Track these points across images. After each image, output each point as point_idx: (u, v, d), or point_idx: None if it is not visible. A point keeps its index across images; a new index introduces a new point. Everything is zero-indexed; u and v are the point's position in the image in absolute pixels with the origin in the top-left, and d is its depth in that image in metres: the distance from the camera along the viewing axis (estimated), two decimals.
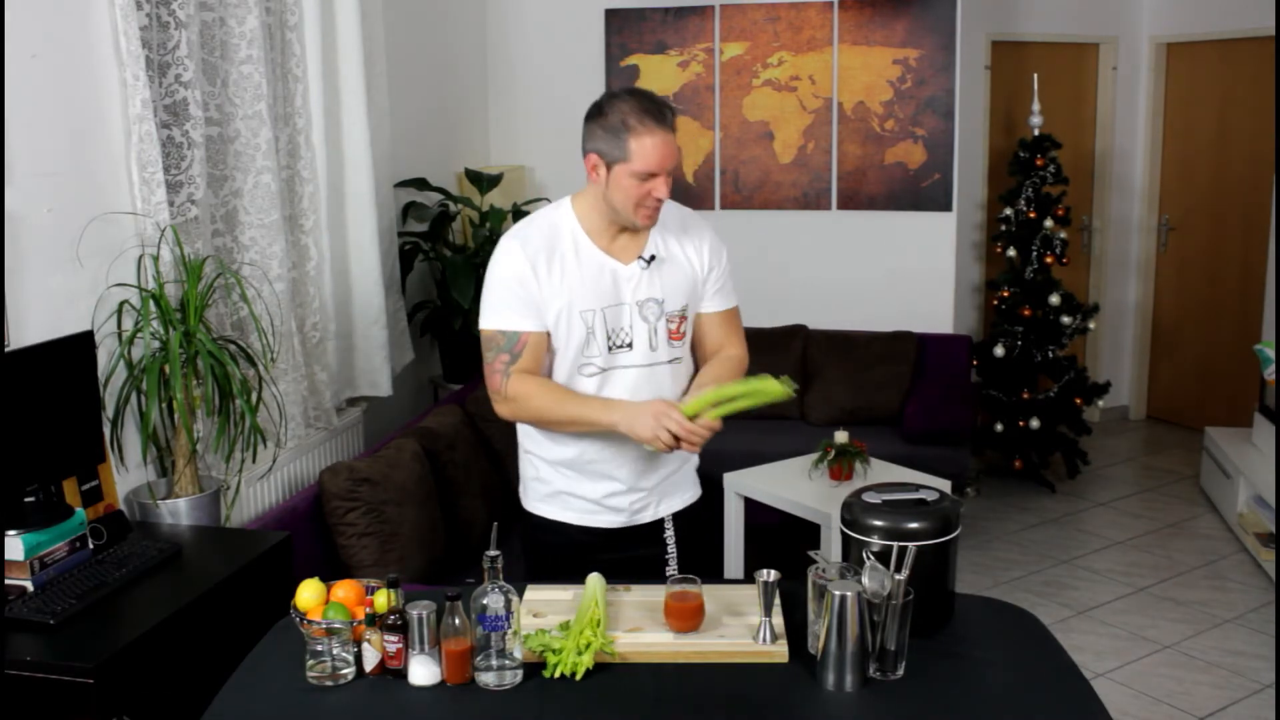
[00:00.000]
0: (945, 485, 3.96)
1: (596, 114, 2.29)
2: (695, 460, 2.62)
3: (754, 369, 2.48)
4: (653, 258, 2.38)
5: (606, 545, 2.49)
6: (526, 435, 2.52)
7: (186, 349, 2.88)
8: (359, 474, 3.26)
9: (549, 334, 2.36)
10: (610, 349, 2.37)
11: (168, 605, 2.38)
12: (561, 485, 2.48)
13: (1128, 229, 6.65)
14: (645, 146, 2.24)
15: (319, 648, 1.95)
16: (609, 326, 2.36)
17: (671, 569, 2.49)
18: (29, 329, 2.62)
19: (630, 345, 2.38)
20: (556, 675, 1.94)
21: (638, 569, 2.40)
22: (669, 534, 2.54)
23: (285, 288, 3.51)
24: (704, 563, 2.57)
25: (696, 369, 2.51)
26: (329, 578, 2.12)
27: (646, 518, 2.51)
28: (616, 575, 2.33)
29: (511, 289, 2.33)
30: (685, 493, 2.59)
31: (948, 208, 5.43)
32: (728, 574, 4.13)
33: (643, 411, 2.27)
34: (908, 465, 4.37)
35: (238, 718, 1.88)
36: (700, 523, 2.63)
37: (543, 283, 2.32)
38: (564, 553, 2.50)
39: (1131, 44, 6.43)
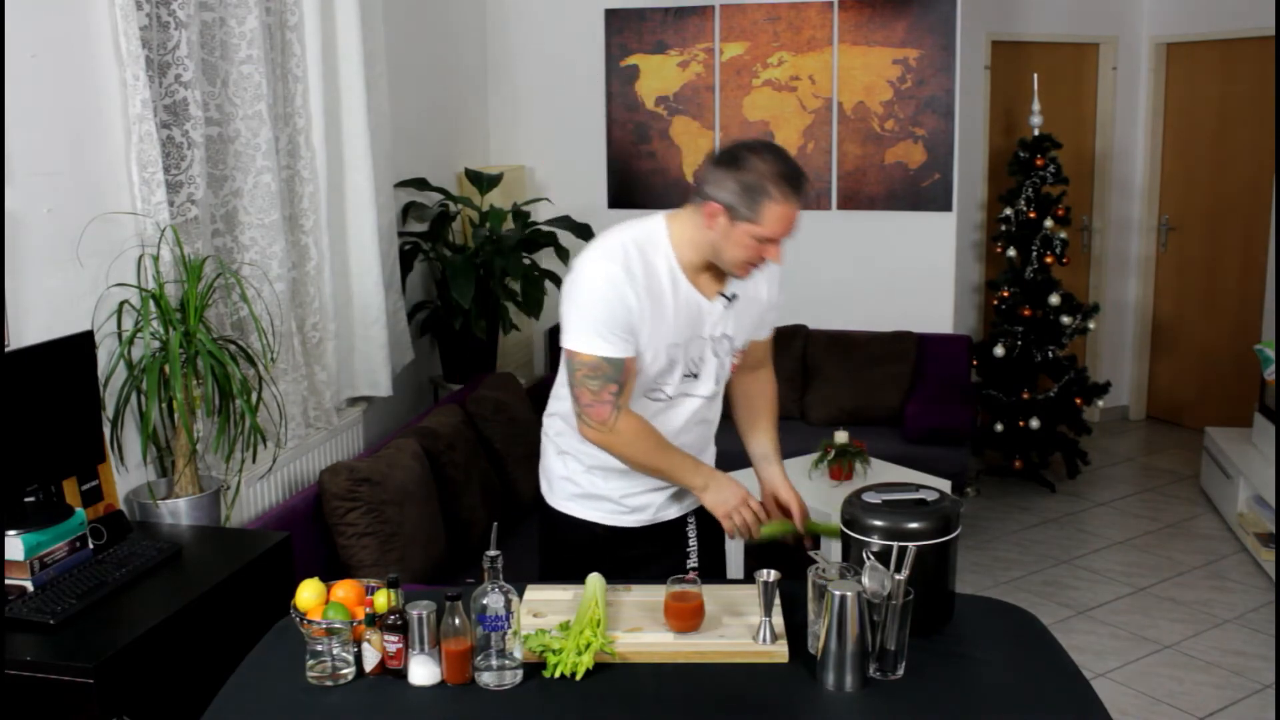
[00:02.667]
0: (945, 485, 3.96)
1: (732, 164, 2.18)
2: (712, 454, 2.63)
3: None
4: (734, 296, 2.36)
5: (630, 543, 2.50)
6: (562, 436, 2.49)
7: (186, 349, 2.88)
8: (359, 474, 3.26)
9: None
10: (683, 378, 2.38)
11: (168, 605, 2.38)
12: (592, 488, 2.48)
13: (1128, 229, 6.65)
14: (779, 215, 2.19)
15: (319, 648, 1.95)
16: (687, 358, 2.36)
17: (693, 561, 2.49)
18: (29, 329, 2.62)
19: (697, 376, 2.39)
20: (556, 675, 1.94)
21: (660, 565, 2.41)
22: (691, 530, 2.54)
23: (285, 288, 3.51)
24: (722, 559, 2.61)
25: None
26: (329, 578, 2.12)
27: (670, 515, 2.52)
28: (639, 572, 2.36)
29: (616, 313, 2.22)
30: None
31: (948, 208, 5.43)
32: (728, 574, 4.12)
33: (728, 492, 2.36)
34: (908, 465, 4.37)
35: (238, 718, 1.88)
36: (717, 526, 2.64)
37: (641, 311, 2.25)
38: (586, 550, 2.50)
39: (1131, 44, 6.43)
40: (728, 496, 2.36)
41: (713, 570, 2.56)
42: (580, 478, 2.48)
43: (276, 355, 3.42)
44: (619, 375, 2.25)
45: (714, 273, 2.33)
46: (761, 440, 2.54)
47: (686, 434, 2.45)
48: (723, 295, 2.34)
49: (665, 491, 2.48)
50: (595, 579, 2.14)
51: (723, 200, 2.18)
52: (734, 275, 2.31)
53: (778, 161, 2.19)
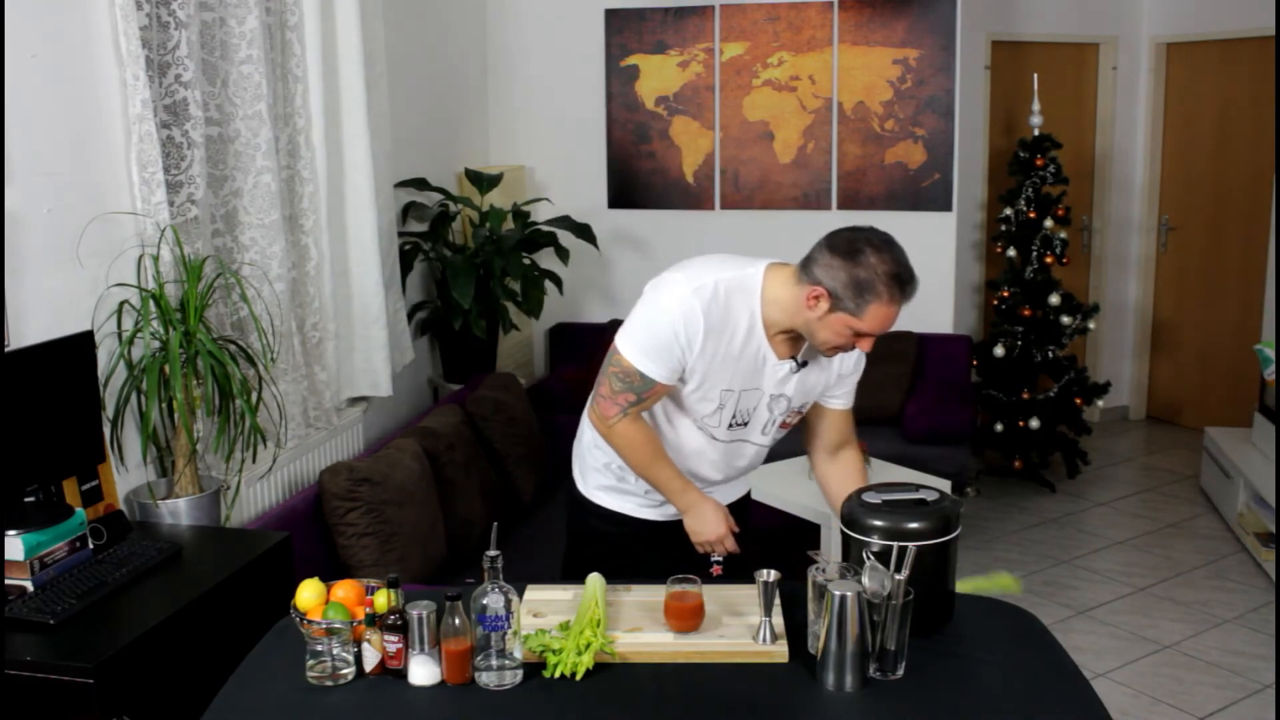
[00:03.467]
0: (945, 485, 3.95)
1: (849, 256, 2.15)
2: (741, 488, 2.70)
3: None
4: (805, 363, 2.37)
5: (661, 535, 2.54)
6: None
7: (186, 349, 2.88)
8: (359, 474, 3.26)
9: (679, 384, 2.34)
10: (730, 425, 2.41)
11: (168, 605, 2.38)
12: (622, 483, 2.53)
13: (1128, 229, 6.65)
14: (881, 315, 2.18)
15: (319, 648, 1.95)
16: (739, 406, 2.38)
17: (718, 554, 2.52)
18: (29, 329, 2.62)
19: (746, 425, 2.43)
20: (556, 675, 1.94)
21: (689, 559, 2.45)
22: None
23: (285, 288, 3.51)
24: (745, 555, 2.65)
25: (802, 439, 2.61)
26: (329, 578, 2.12)
27: None
28: (668, 565, 2.38)
29: (673, 342, 2.25)
30: (738, 488, 2.66)
31: (948, 208, 5.43)
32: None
33: (706, 522, 2.41)
34: (908, 465, 4.36)
35: (238, 718, 1.88)
36: (745, 516, 2.70)
37: (701, 350, 2.26)
38: (615, 539, 2.55)
39: (1131, 44, 6.43)
40: (703, 527, 2.43)
41: (737, 567, 2.57)
42: (614, 470, 2.53)
43: (276, 355, 3.42)
44: (644, 391, 2.30)
45: (794, 336, 2.32)
46: None
47: (725, 471, 2.51)
48: (794, 360, 2.35)
49: (702, 486, 2.52)
50: (595, 579, 2.15)
51: (829, 287, 2.17)
52: (820, 354, 2.34)
53: (893, 262, 2.16)
